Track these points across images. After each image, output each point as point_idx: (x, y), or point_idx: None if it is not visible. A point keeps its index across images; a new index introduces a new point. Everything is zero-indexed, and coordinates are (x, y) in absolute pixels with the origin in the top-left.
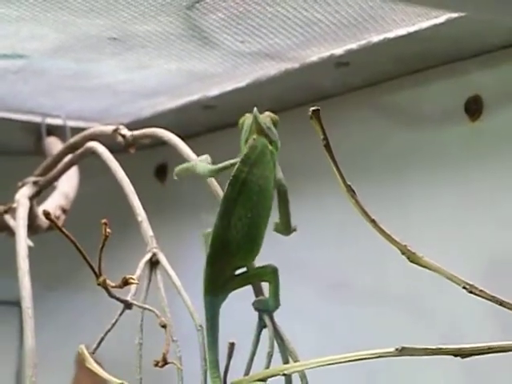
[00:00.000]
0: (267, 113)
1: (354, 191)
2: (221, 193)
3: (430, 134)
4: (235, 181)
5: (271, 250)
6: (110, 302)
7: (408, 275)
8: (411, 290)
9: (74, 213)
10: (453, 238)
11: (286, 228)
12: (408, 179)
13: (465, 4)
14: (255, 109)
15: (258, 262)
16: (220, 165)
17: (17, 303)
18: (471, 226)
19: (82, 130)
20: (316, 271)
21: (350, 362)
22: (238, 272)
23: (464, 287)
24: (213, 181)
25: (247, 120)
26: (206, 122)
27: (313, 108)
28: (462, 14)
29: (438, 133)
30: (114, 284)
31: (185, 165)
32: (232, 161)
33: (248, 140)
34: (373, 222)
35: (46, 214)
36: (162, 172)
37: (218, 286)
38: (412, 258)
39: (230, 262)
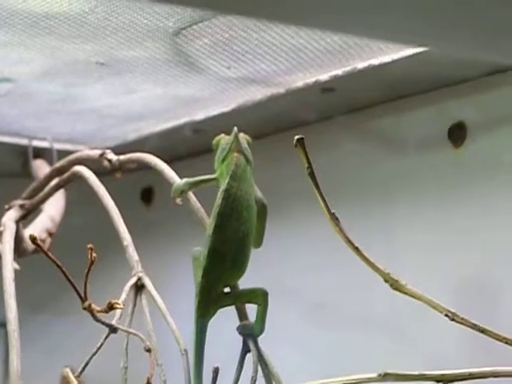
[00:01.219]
0: (242, 134)
1: (337, 219)
2: (204, 215)
3: (414, 160)
4: (227, 195)
5: (256, 274)
6: (95, 325)
7: (392, 300)
8: (395, 315)
9: (59, 237)
10: (436, 263)
11: (258, 242)
12: (392, 205)
13: (427, 40)
14: (235, 128)
15: (243, 285)
16: (195, 178)
17: (2, 324)
18: (455, 252)
19: (69, 152)
20: (301, 295)
21: None
22: (226, 291)
23: (446, 315)
24: (199, 208)
25: (222, 140)
26: (192, 145)
27: (297, 136)
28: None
29: (422, 159)
30: (99, 308)
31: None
32: (206, 176)
33: (226, 158)
34: (356, 249)
35: (33, 239)
36: (147, 195)
37: (210, 300)
38: (395, 286)
39: (224, 277)
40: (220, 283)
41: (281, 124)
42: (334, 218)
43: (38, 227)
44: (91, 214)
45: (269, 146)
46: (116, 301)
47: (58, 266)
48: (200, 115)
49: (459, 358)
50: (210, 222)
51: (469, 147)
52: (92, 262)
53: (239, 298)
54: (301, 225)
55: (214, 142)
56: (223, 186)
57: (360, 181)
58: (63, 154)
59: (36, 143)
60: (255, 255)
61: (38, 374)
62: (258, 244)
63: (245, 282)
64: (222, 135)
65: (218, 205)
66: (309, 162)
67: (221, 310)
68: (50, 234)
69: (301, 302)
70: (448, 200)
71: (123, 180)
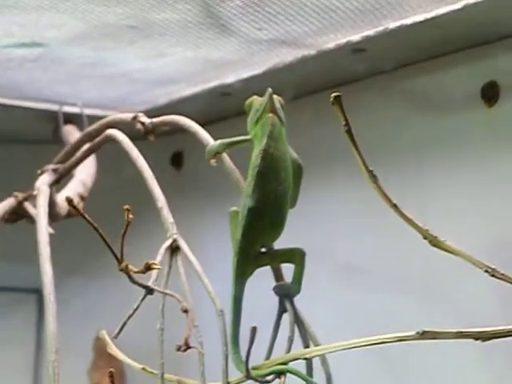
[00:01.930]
0: (275, 95)
1: (375, 176)
2: (241, 178)
3: (447, 120)
4: (266, 155)
5: (291, 236)
6: (129, 288)
7: (426, 261)
8: (428, 276)
9: (92, 201)
10: (470, 225)
11: (292, 203)
12: (425, 165)
13: None
14: (270, 89)
15: (278, 246)
16: (230, 139)
17: (34, 290)
18: (489, 213)
19: (99, 118)
20: (335, 257)
21: (369, 347)
22: (263, 251)
23: (486, 271)
24: (234, 169)
25: (255, 102)
26: (223, 109)
27: (334, 94)
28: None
29: (455, 119)
30: (136, 269)
31: (207, 149)
32: (240, 137)
33: (260, 119)
34: (394, 206)
35: (69, 201)
36: (177, 160)
37: (248, 259)
38: (434, 242)
39: (262, 236)
40: (258, 243)
41: (312, 86)
42: (372, 176)
43: (70, 192)
44: (123, 178)
45: (300, 109)
46: (153, 261)
47: (94, 227)
48: (230, 78)
49: (495, 317)
50: (248, 182)
51: (502, 107)
52: (128, 223)
53: (277, 258)
54: (335, 187)
55: (247, 103)
56: (261, 145)
57: (392, 142)
58: (93, 119)
59: (66, 109)
60: (290, 217)
61: (73, 337)
62: (293, 204)
63: (280, 244)
64: (255, 97)
65: (256, 164)
66: (346, 120)
67: (257, 271)
68: (82, 199)
69: (335, 264)
70: (481, 160)
71: (153, 145)
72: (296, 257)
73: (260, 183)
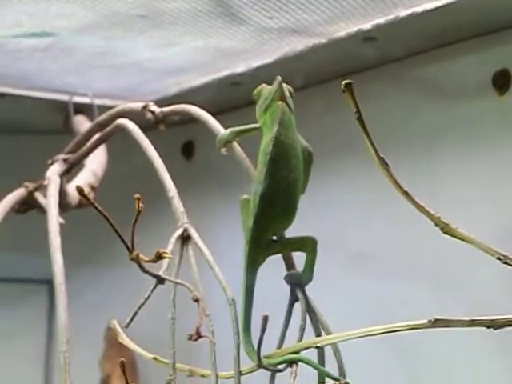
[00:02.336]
0: (284, 84)
1: (387, 163)
2: (251, 167)
3: (458, 108)
4: (277, 142)
5: (302, 225)
6: (140, 277)
7: (438, 248)
8: (440, 264)
9: (102, 190)
10: (481, 214)
11: (302, 190)
12: (436, 153)
13: None
14: (279, 77)
15: (288, 235)
16: (240, 127)
17: (46, 281)
18: (500, 202)
19: (109, 108)
20: (347, 245)
21: (381, 336)
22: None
23: (498, 258)
24: (245, 157)
25: (264, 90)
26: (233, 98)
27: (345, 81)
28: None
29: (466, 107)
30: (147, 258)
31: (217, 138)
32: (250, 126)
33: (270, 107)
34: (406, 193)
35: (80, 190)
36: (188, 149)
37: (260, 247)
38: (446, 230)
39: (273, 224)
40: (270, 231)
41: (322, 75)
42: (384, 163)
43: (81, 182)
44: (134, 168)
45: (311, 98)
46: (164, 250)
47: (104, 216)
48: (241, 67)
49: (507, 305)
50: (259, 170)
51: None
52: (139, 212)
53: (288, 246)
54: (346, 175)
55: (256, 91)
56: (272, 133)
57: (403, 130)
58: (103, 109)
59: (77, 99)
60: (300, 205)
61: (85, 327)
62: (302, 192)
63: (290, 233)
64: (263, 85)
65: (268, 152)
66: (357, 107)
67: (268, 260)
68: (93, 189)
69: (346, 252)
70: (492, 148)
71: (164, 135)
72: (308, 245)
73: (272, 170)
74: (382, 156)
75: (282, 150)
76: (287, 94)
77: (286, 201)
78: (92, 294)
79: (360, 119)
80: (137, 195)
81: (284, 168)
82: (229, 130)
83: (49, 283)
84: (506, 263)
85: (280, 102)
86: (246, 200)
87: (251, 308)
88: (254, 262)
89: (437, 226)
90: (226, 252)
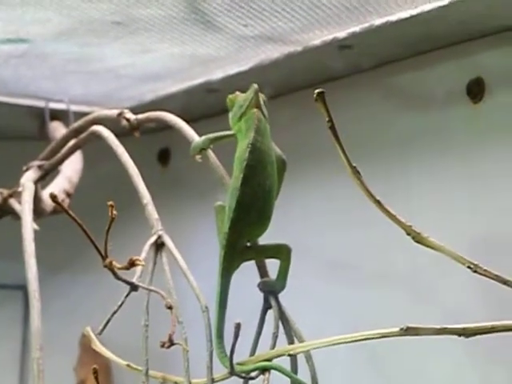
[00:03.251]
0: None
1: (359, 172)
2: (226, 175)
3: (433, 117)
4: (253, 148)
5: (277, 233)
6: (114, 284)
7: (411, 257)
8: (414, 272)
9: (77, 197)
10: (454, 221)
11: (276, 195)
12: (410, 161)
13: None
14: (255, 85)
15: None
16: (214, 134)
17: (20, 287)
18: (473, 209)
19: (85, 114)
20: (320, 254)
21: (354, 343)
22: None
23: (469, 267)
24: (219, 165)
25: (239, 97)
26: (209, 105)
27: (318, 90)
28: None
29: (441, 115)
30: (120, 265)
31: (192, 145)
32: (224, 132)
33: (245, 114)
34: (378, 202)
35: (53, 197)
36: (164, 156)
37: (235, 252)
38: (417, 239)
39: (249, 230)
40: (245, 236)
41: (298, 82)
42: (356, 172)
43: (56, 188)
44: (109, 174)
45: (286, 105)
46: (137, 257)
47: (78, 223)
48: (217, 75)
49: (479, 313)
50: (235, 176)
51: (487, 103)
52: (112, 219)
53: (263, 253)
54: (320, 184)
55: (229, 99)
56: (249, 139)
57: (378, 138)
58: (79, 115)
59: (52, 105)
60: (275, 213)
61: (58, 333)
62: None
63: (265, 240)
64: (237, 93)
65: (245, 158)
66: (329, 116)
67: (241, 267)
68: (68, 195)
69: (320, 260)
70: (467, 156)
71: (140, 142)
72: (282, 253)
73: (248, 176)
74: (354, 165)
75: (259, 157)
76: (262, 102)
77: (262, 207)
78: (66, 301)
79: (332, 128)
80: (110, 202)
81: (260, 174)
82: (203, 137)
83: (23, 289)
84: (476, 272)
85: (256, 110)
86: (220, 206)
87: (225, 313)
88: (228, 268)
89: (408, 234)
90: (199, 259)
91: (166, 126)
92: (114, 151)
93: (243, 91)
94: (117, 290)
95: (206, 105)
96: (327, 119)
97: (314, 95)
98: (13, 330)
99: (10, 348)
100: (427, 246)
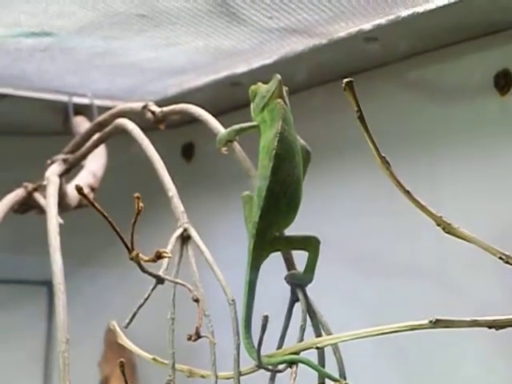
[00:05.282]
0: None
1: (388, 163)
2: (252, 167)
3: (459, 109)
4: (281, 138)
5: (301, 224)
6: (140, 278)
7: (437, 248)
8: (440, 263)
9: (102, 190)
10: (481, 211)
11: None
12: (437, 154)
13: None
14: (278, 75)
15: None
16: (240, 125)
17: (44, 283)
18: (500, 199)
19: (109, 108)
20: (344, 245)
21: (382, 336)
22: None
23: (500, 257)
24: (245, 157)
25: (261, 88)
26: (233, 99)
27: (346, 79)
28: None
29: (467, 107)
30: (146, 258)
31: (217, 137)
32: (249, 123)
33: (268, 105)
34: (407, 192)
35: (79, 189)
36: (188, 151)
37: (264, 242)
38: (447, 229)
39: (278, 220)
40: (275, 226)
41: (323, 76)
42: (385, 162)
43: (81, 183)
44: (134, 167)
45: (311, 98)
46: (164, 249)
47: (104, 216)
48: (241, 68)
49: (508, 305)
50: (263, 165)
51: None
52: (139, 212)
53: (292, 244)
54: (347, 175)
55: (252, 89)
56: (276, 129)
57: (405, 130)
58: (103, 110)
59: (76, 100)
60: (302, 204)
61: (83, 327)
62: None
63: (290, 232)
64: (260, 83)
65: (274, 147)
66: (358, 105)
67: (268, 259)
68: (93, 189)
69: (345, 252)
70: (493, 148)
71: (163, 136)
72: (311, 244)
73: (278, 165)
74: (383, 155)
75: (287, 146)
76: (284, 92)
77: (291, 196)
78: (91, 295)
79: (361, 118)
80: (136, 194)
81: (289, 163)
82: (228, 129)
83: (48, 285)
84: (507, 263)
85: (279, 100)
86: (248, 196)
87: (253, 303)
88: (258, 257)
89: (439, 225)
90: (225, 252)
91: (190, 121)
92: (138, 144)
93: (266, 83)
94: (143, 284)
95: (230, 98)
96: (356, 108)
97: (343, 84)
98: (37, 326)
99: (34, 344)
100: (458, 237)
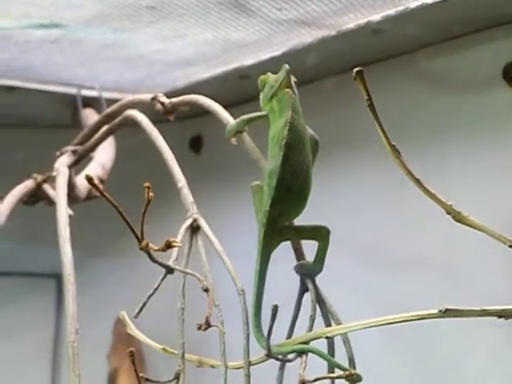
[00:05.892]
0: None
1: (398, 152)
2: (262, 157)
3: (468, 100)
4: (291, 127)
5: (310, 215)
6: (150, 268)
7: (447, 239)
8: (450, 253)
9: (111, 180)
10: (491, 201)
11: None
12: (446, 145)
13: None
14: (287, 65)
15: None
16: (249, 115)
17: (54, 275)
18: (510, 189)
19: (117, 101)
20: (355, 235)
21: (392, 325)
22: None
23: (510, 246)
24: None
25: (270, 78)
26: (242, 91)
27: (357, 69)
28: None
29: (476, 99)
30: (156, 247)
31: (227, 128)
32: (258, 113)
33: (276, 94)
34: (417, 181)
35: (89, 179)
36: (196, 143)
37: (275, 231)
38: (457, 218)
39: (289, 209)
40: (285, 215)
41: (331, 67)
42: (395, 151)
43: (89, 174)
44: (143, 158)
45: (320, 90)
46: (174, 239)
47: (114, 206)
48: (250, 60)
49: None
50: (273, 154)
51: None
52: (149, 201)
53: (302, 233)
54: (356, 166)
55: (261, 80)
56: (286, 118)
57: (413, 122)
58: (112, 102)
59: (85, 92)
60: (311, 195)
61: (93, 318)
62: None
63: (300, 222)
64: (269, 73)
65: (284, 136)
66: (368, 94)
67: (278, 249)
68: (101, 181)
69: (355, 242)
70: (502, 138)
71: (171, 129)
72: (321, 234)
73: (288, 154)
74: (393, 144)
75: (297, 135)
76: (293, 82)
77: (301, 186)
78: (101, 286)
79: (371, 106)
80: (147, 184)
81: (299, 153)
82: (238, 120)
83: (57, 277)
84: None
85: (288, 90)
86: (258, 186)
87: (263, 293)
88: (268, 246)
89: (448, 213)
90: (234, 242)
91: (197, 113)
92: (147, 135)
93: (275, 74)
94: (152, 274)
95: (238, 91)
96: (366, 97)
97: (353, 73)
98: (45, 319)
99: (42, 337)
100: (468, 225)
